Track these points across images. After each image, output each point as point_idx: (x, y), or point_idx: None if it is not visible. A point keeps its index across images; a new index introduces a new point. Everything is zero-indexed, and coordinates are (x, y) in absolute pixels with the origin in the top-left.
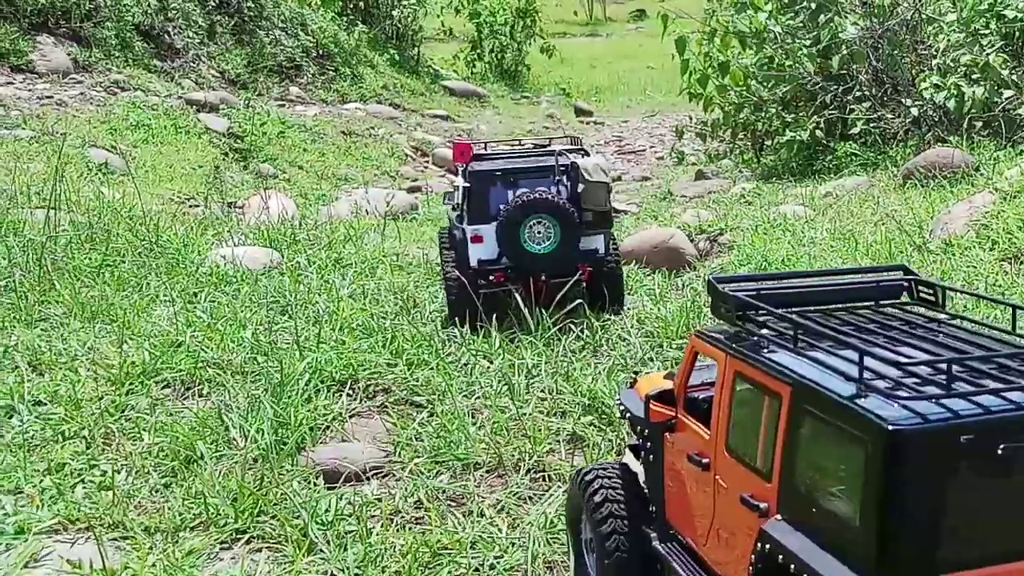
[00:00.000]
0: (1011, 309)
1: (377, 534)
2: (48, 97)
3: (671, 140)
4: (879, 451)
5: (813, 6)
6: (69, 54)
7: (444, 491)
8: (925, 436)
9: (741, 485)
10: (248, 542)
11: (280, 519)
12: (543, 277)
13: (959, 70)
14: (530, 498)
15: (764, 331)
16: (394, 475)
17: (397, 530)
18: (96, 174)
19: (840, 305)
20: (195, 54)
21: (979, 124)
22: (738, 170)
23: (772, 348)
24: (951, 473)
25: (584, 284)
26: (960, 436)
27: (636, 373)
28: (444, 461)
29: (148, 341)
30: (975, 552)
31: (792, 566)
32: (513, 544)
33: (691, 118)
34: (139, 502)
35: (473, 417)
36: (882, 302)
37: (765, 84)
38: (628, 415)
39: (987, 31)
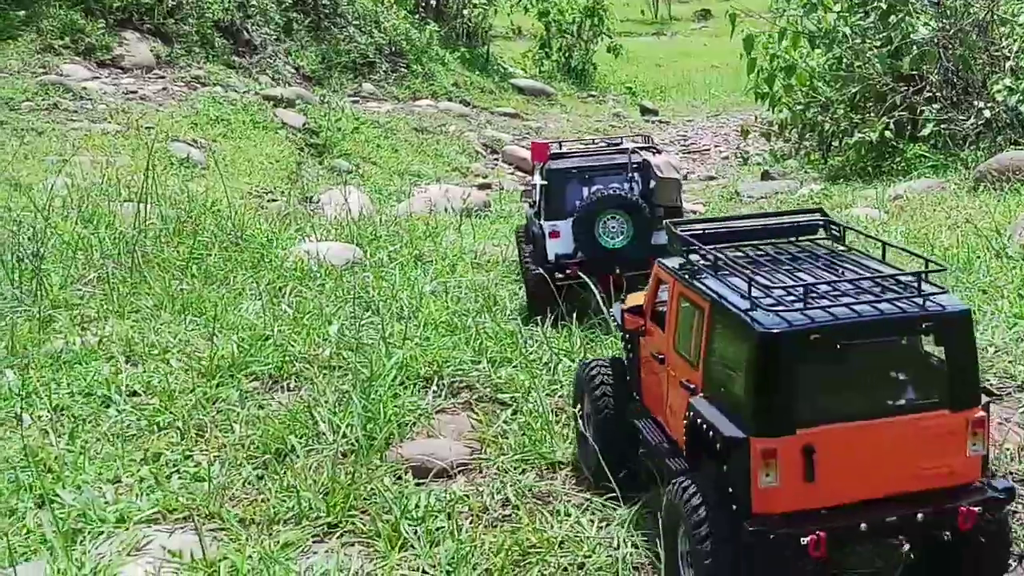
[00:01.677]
0: (885, 245)
1: (467, 531)
2: (132, 92)
3: (735, 140)
4: (756, 346)
5: (884, 6)
6: (152, 50)
7: (531, 489)
8: (786, 336)
9: (682, 373)
10: (340, 536)
11: (371, 514)
12: (617, 271)
13: None
14: (615, 498)
15: (698, 261)
16: (481, 472)
17: (486, 527)
18: (179, 168)
19: (767, 240)
20: (272, 50)
21: None
22: (804, 171)
23: (703, 274)
24: (803, 361)
25: None
26: (810, 335)
27: None
28: (530, 459)
29: (236, 334)
30: (820, 415)
31: (705, 426)
32: (600, 544)
33: (756, 118)
34: (233, 494)
35: (557, 416)
36: (800, 238)
37: (833, 84)
38: (616, 324)
39: None
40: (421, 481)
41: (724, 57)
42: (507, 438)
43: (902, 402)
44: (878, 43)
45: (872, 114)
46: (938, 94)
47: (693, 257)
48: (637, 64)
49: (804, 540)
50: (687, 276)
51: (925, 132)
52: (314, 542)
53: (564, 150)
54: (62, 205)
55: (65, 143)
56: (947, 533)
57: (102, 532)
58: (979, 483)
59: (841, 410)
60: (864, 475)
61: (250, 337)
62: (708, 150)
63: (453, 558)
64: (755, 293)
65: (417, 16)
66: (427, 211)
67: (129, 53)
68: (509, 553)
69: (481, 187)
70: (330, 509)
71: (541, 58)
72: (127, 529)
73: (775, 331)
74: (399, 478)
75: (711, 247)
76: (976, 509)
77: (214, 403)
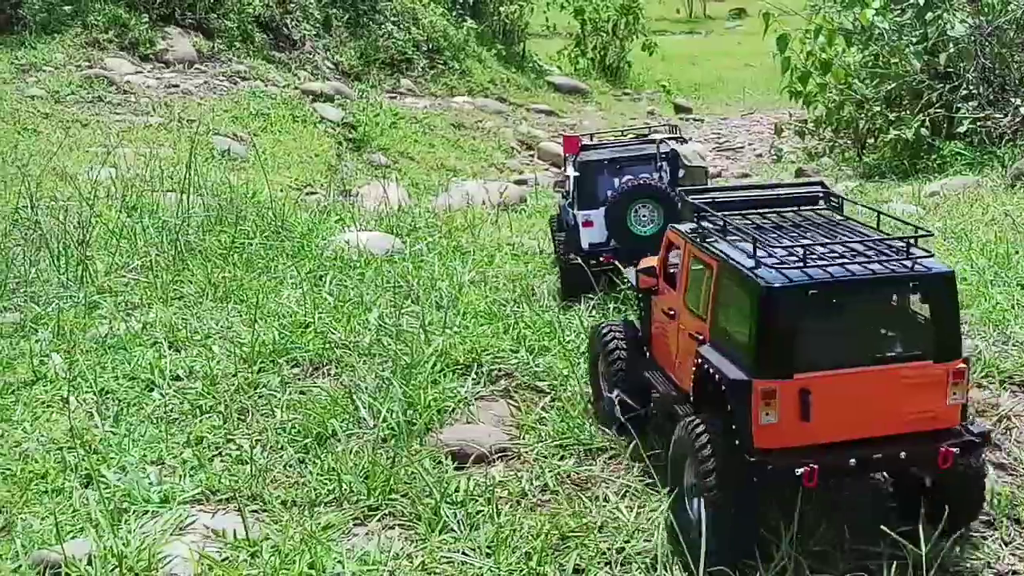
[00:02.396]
0: (879, 214)
1: (506, 515)
2: (175, 86)
3: (769, 137)
4: (759, 299)
5: (921, 3)
6: (194, 44)
7: (570, 475)
8: (786, 291)
9: (692, 327)
10: (380, 519)
11: (412, 497)
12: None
13: None
14: (652, 484)
15: (708, 226)
16: (519, 458)
17: (525, 512)
18: (220, 160)
19: (772, 209)
20: (311, 46)
21: None
22: (839, 168)
23: (712, 237)
24: (801, 314)
25: None
26: (808, 291)
27: None
28: (568, 446)
29: (278, 321)
30: (815, 362)
31: (711, 370)
32: (639, 530)
33: (790, 115)
34: (275, 476)
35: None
36: (803, 207)
37: (869, 82)
38: (631, 285)
39: None
40: (461, 466)
41: (758, 55)
42: (545, 425)
43: (890, 353)
44: (914, 40)
45: (908, 111)
46: (975, 91)
47: (704, 223)
48: (671, 62)
49: (799, 471)
50: (698, 239)
51: (961, 129)
52: (355, 524)
53: (595, 142)
54: (107, 195)
55: (109, 135)
56: (928, 474)
57: (147, 511)
58: (958, 427)
59: (835, 358)
60: (854, 417)
61: (291, 324)
62: (742, 148)
63: (493, 541)
64: (759, 253)
65: (454, 13)
66: (464, 205)
67: (172, 48)
68: (548, 537)
69: (517, 183)
70: (371, 492)
71: (576, 56)
72: (171, 509)
73: (777, 286)
74: (439, 463)
75: (720, 214)
76: (954, 450)
77: (255, 388)
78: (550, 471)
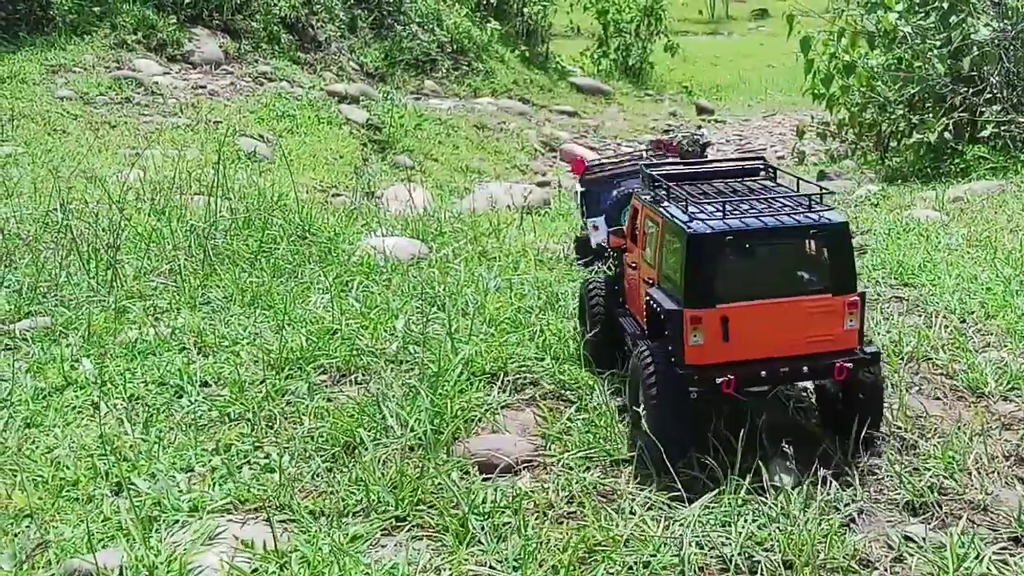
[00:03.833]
0: (799, 180)
1: (533, 528)
2: (201, 87)
3: (791, 139)
4: (687, 245)
5: (945, 6)
6: (221, 45)
7: (596, 487)
8: (707, 237)
9: (647, 274)
10: (408, 530)
11: (439, 508)
12: None
13: None
14: (678, 498)
15: (660, 193)
16: (546, 468)
17: (552, 524)
18: (246, 162)
19: (718, 180)
20: (336, 47)
21: None
22: (861, 171)
23: (663, 202)
24: (721, 256)
25: None
26: (726, 237)
27: None
28: (594, 456)
29: (305, 327)
30: (733, 295)
31: (655, 305)
32: (665, 544)
33: (812, 118)
34: (303, 486)
35: (621, 414)
36: (745, 178)
37: (892, 85)
38: (599, 245)
39: None
40: (487, 476)
41: (780, 57)
42: (571, 435)
43: (796, 288)
44: (938, 43)
45: (931, 115)
46: (999, 95)
47: (658, 191)
48: (694, 63)
49: (719, 380)
50: (652, 203)
51: (985, 133)
52: (382, 535)
53: (597, 163)
54: (136, 198)
55: (137, 136)
56: (833, 386)
57: (177, 520)
58: (855, 349)
59: (749, 292)
60: (766, 340)
61: (318, 330)
62: (764, 150)
63: (520, 554)
64: (691, 210)
65: (478, 14)
66: (489, 208)
67: (199, 49)
68: (575, 550)
69: (539, 184)
70: (398, 503)
71: (599, 57)
72: (201, 518)
73: (700, 233)
74: (466, 473)
75: (672, 183)
76: (848, 365)
77: (283, 395)
78: (576, 482)
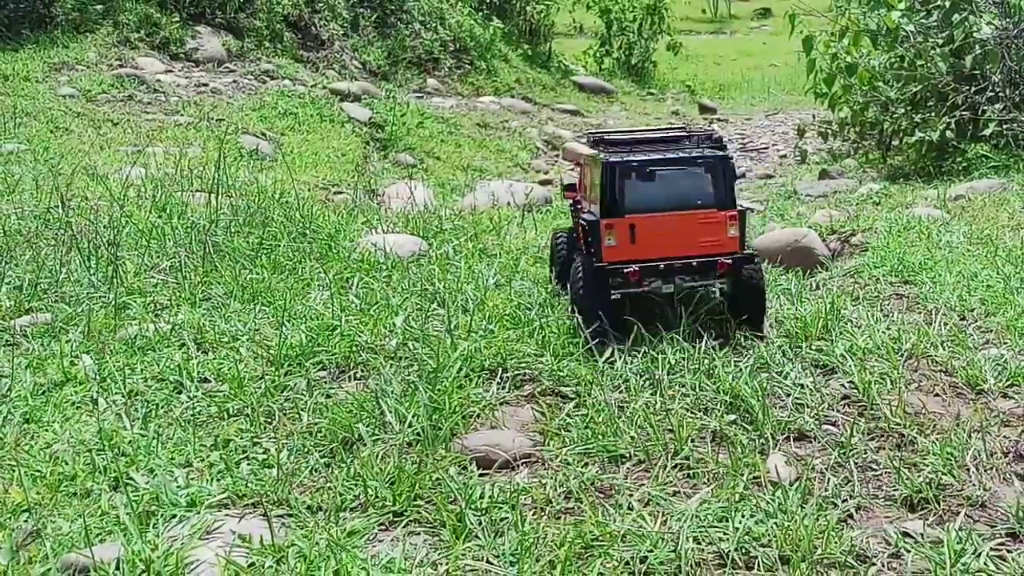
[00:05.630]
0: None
1: (530, 523)
2: (204, 85)
3: (794, 138)
4: (602, 171)
5: (947, 5)
6: (223, 44)
7: (593, 482)
8: (616, 164)
9: (589, 206)
10: (406, 525)
11: (437, 504)
12: None
13: None
14: (676, 493)
15: (597, 149)
16: (544, 464)
17: (549, 519)
18: (248, 159)
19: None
20: (339, 45)
21: None
22: (863, 170)
23: (600, 155)
24: (628, 179)
25: None
26: (631, 164)
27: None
28: (592, 452)
29: (305, 324)
30: (638, 208)
31: (583, 222)
32: (663, 539)
33: (813, 117)
34: (301, 481)
35: (620, 410)
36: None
37: (894, 84)
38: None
39: None
40: (485, 472)
41: (783, 56)
42: (570, 431)
43: (688, 204)
44: (940, 42)
45: (933, 114)
46: (1001, 94)
47: (598, 149)
48: (696, 62)
49: (627, 270)
50: (593, 157)
51: (987, 132)
52: (380, 530)
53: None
54: (137, 195)
55: (140, 134)
56: (728, 287)
57: (174, 515)
58: (735, 252)
59: (652, 206)
60: (665, 243)
61: (318, 327)
62: (766, 148)
63: (517, 549)
64: (611, 151)
65: (481, 13)
66: (490, 205)
67: (202, 47)
68: (572, 546)
69: (542, 183)
70: (396, 498)
71: (602, 55)
72: (198, 513)
73: (612, 162)
74: (464, 468)
75: (609, 144)
76: (728, 262)
77: (282, 391)
78: (574, 478)
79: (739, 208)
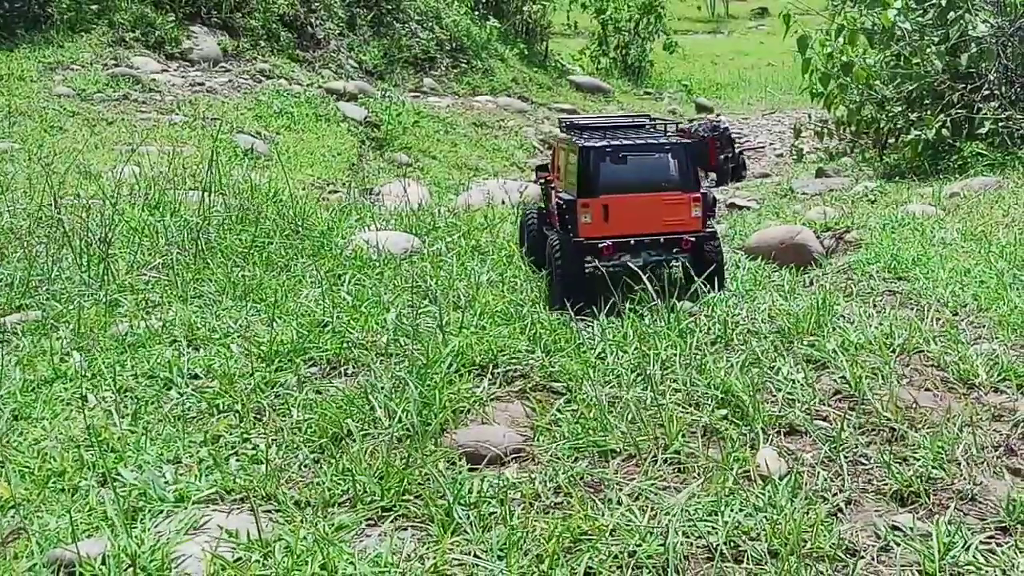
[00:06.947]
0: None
1: (519, 517)
2: (199, 84)
3: (790, 137)
4: (579, 155)
5: (943, 3)
6: (219, 43)
7: (583, 477)
8: (591, 149)
9: (565, 186)
10: (394, 520)
11: (425, 499)
12: None
13: None
14: (665, 487)
15: (571, 134)
16: (533, 460)
17: (538, 514)
18: (243, 158)
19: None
20: (335, 45)
21: None
22: (859, 168)
23: (574, 139)
24: (602, 162)
25: None
26: (605, 149)
27: (770, 369)
28: (582, 448)
29: (296, 321)
30: (611, 189)
31: (561, 202)
32: (651, 533)
33: (810, 116)
34: (289, 476)
35: (611, 405)
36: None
37: (889, 82)
38: (536, 178)
39: None
40: (474, 467)
41: (780, 55)
42: (560, 426)
43: (656, 186)
44: (936, 40)
45: (929, 112)
46: (996, 92)
47: (571, 134)
48: (693, 62)
49: (601, 245)
50: (568, 141)
51: (982, 130)
52: (368, 525)
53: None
54: (130, 193)
55: (134, 133)
56: (692, 262)
57: (162, 511)
58: (698, 230)
59: (623, 187)
60: (635, 221)
61: (309, 323)
62: (763, 148)
63: (505, 544)
64: (585, 136)
65: (477, 12)
66: (485, 204)
67: (197, 46)
68: (560, 540)
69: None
70: (384, 493)
71: (598, 55)
72: (186, 508)
73: (587, 146)
74: (453, 464)
75: (581, 129)
76: (692, 239)
77: (272, 387)
78: (564, 473)
79: (702, 191)
